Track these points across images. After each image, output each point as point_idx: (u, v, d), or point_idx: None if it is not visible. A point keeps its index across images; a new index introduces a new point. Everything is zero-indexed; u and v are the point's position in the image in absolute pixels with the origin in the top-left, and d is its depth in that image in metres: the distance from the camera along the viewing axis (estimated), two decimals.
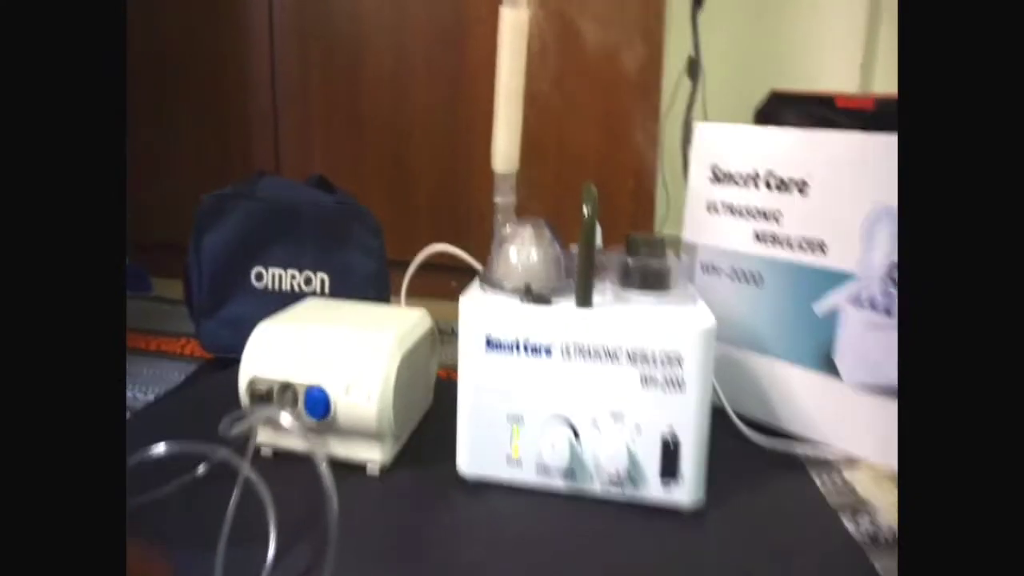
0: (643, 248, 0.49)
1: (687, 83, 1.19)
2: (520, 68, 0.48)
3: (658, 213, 1.03)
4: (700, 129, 0.63)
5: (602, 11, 0.94)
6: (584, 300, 0.46)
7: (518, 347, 0.47)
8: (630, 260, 0.49)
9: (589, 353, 0.46)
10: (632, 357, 0.46)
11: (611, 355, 0.46)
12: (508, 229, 0.50)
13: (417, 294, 0.71)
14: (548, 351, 0.46)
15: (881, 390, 0.54)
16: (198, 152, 1.03)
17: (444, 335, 0.85)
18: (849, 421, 0.56)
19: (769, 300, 0.60)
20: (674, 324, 0.45)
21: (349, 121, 1.01)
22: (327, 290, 0.67)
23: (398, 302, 0.69)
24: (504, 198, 0.51)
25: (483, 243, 1.02)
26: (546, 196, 0.98)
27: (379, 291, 0.70)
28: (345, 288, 0.68)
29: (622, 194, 0.99)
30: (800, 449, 0.58)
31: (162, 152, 1.04)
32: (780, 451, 0.57)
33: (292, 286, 0.67)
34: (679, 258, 0.50)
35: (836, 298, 0.56)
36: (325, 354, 0.49)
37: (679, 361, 0.45)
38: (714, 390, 0.51)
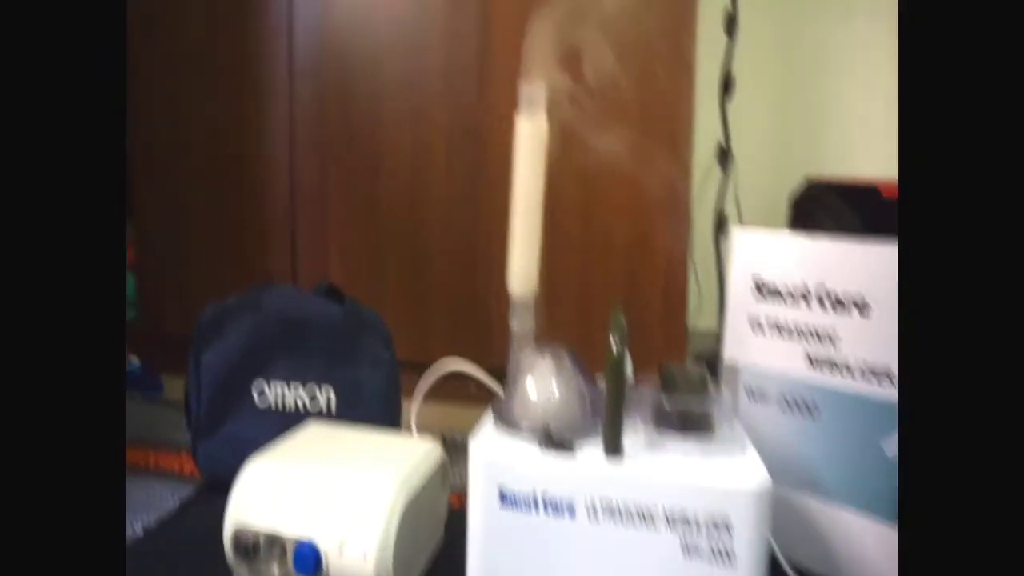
0: (680, 384, 0.43)
1: (717, 171, 1.16)
2: (538, 182, 0.45)
3: (689, 305, 0.97)
4: (739, 237, 0.58)
5: (630, 101, 0.92)
6: (613, 449, 0.40)
7: (536, 503, 0.40)
8: (666, 399, 0.43)
9: (620, 513, 0.39)
10: (671, 520, 0.39)
11: (646, 517, 0.39)
12: (526, 359, 0.45)
13: (434, 397, 0.65)
14: (572, 509, 0.40)
15: None
16: (215, 246, 1.03)
17: (460, 449, 0.78)
18: None
19: (827, 434, 0.52)
20: (721, 482, 0.38)
21: (367, 220, 0.99)
22: (333, 406, 0.62)
23: (410, 407, 0.64)
24: (521, 324, 0.46)
25: (503, 347, 0.98)
26: (570, 290, 0.93)
27: (389, 405, 0.65)
28: (353, 403, 0.63)
29: (652, 291, 0.93)
30: None
31: (179, 245, 1.04)
32: None
33: (296, 402, 0.62)
34: (718, 386, 0.44)
35: None
36: (319, 501, 0.43)
37: (728, 528, 0.38)
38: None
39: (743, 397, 0.57)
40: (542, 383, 0.43)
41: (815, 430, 0.53)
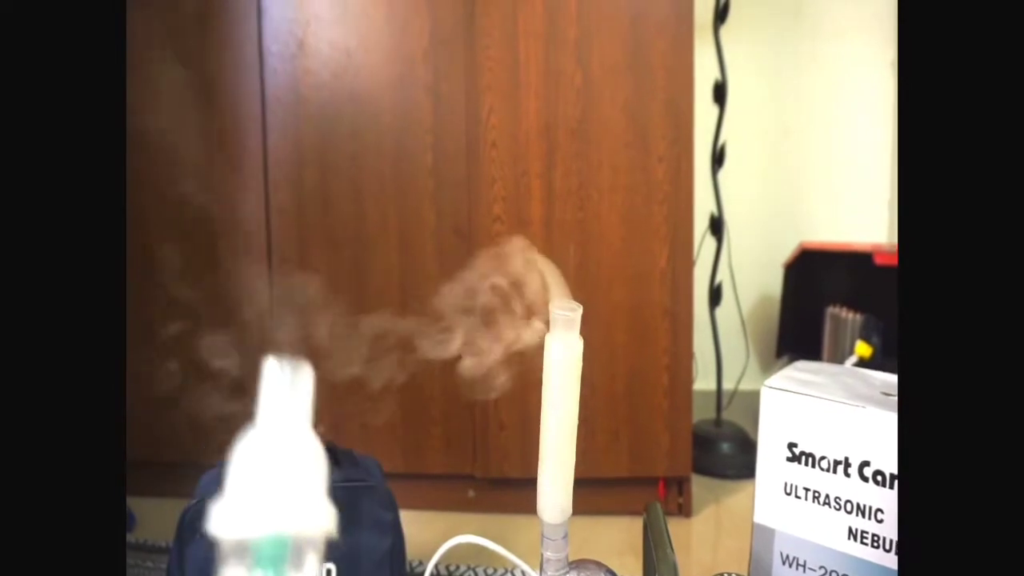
0: None
1: (711, 241, 1.13)
2: (573, 408, 0.40)
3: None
4: (769, 397, 0.54)
5: (629, 187, 0.88)
6: None
7: None
8: None
9: None
10: None
11: None
12: None
13: (434, 507, 0.60)
14: None
15: None
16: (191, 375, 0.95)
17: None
18: None
19: None
20: None
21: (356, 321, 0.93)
22: None
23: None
24: (556, 553, 0.41)
25: (501, 455, 0.92)
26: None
27: (396, 569, 0.59)
28: (356, 575, 0.57)
29: (655, 393, 0.89)
30: None
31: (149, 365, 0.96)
32: None
33: None
34: None
35: None
36: None
37: None
38: None
39: (777, 561, 0.53)
40: None
41: None
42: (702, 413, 1.14)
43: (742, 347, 1.18)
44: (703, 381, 1.23)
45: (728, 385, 1.13)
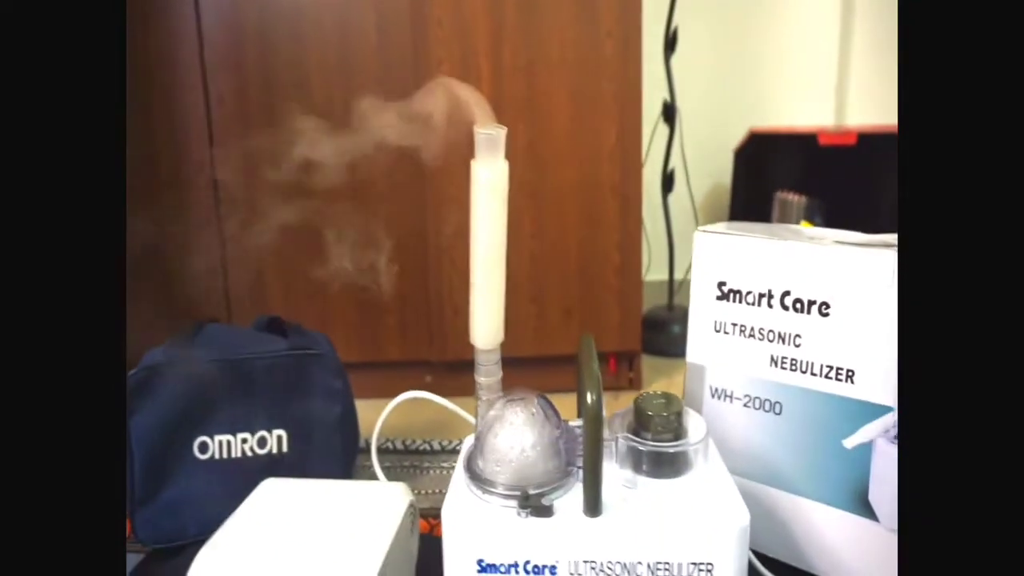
0: (657, 424, 0.41)
1: (664, 128, 1.12)
2: (501, 232, 0.40)
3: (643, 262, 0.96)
4: (701, 240, 0.56)
5: (577, 64, 0.87)
6: (593, 509, 0.38)
7: (517, 569, 0.39)
8: (641, 443, 0.41)
9: (603, 570, 0.38)
10: (653, 571, 0.38)
11: (629, 570, 0.38)
12: (495, 412, 0.42)
13: (392, 395, 0.62)
14: (553, 571, 0.39)
15: None
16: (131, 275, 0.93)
17: (423, 456, 0.76)
18: (889, 570, 0.50)
19: (790, 431, 0.53)
20: (701, 526, 0.38)
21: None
22: (285, 447, 0.58)
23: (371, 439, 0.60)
24: (489, 377, 0.43)
25: (457, 339, 0.94)
26: (522, 255, 0.90)
27: (346, 438, 0.62)
28: (307, 442, 0.59)
29: (605, 270, 0.91)
30: None
31: None
32: None
33: (244, 451, 0.57)
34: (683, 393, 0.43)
35: (869, 432, 0.50)
36: None
37: (709, 571, 0.38)
38: None
39: (707, 396, 0.57)
40: (514, 438, 0.41)
41: (779, 427, 0.53)
42: (656, 301, 1.18)
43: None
44: (657, 272, 1.26)
45: (680, 274, 1.16)
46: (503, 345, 1.07)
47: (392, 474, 0.72)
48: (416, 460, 0.76)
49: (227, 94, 0.88)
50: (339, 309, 0.92)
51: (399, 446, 0.79)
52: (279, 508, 0.47)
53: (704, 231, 0.55)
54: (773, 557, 0.54)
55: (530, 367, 0.83)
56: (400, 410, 0.83)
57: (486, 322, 0.42)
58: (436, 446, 0.79)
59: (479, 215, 0.39)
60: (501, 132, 0.40)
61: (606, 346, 0.94)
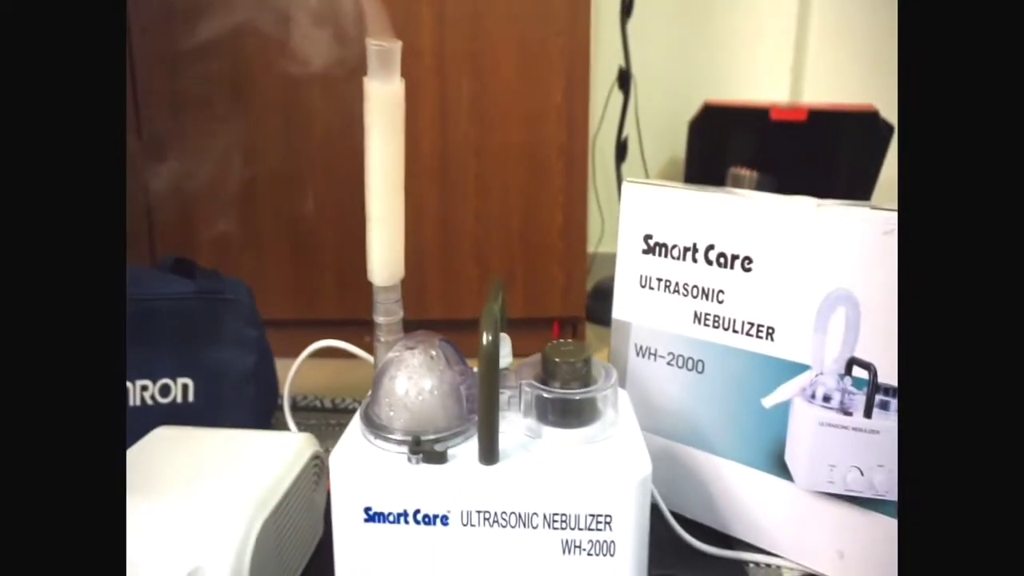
0: (564, 372, 0.40)
1: (619, 96, 1.10)
2: (399, 157, 0.37)
3: (592, 234, 0.94)
4: (628, 191, 0.54)
5: (524, 16, 0.83)
6: (488, 457, 0.36)
7: (406, 518, 0.37)
8: (545, 390, 0.39)
9: (497, 520, 0.37)
10: (550, 521, 0.37)
11: (524, 521, 0.37)
12: (393, 354, 0.40)
13: (328, 355, 0.59)
14: (445, 520, 0.37)
15: (836, 497, 0.48)
16: None
17: (351, 415, 0.74)
18: (803, 530, 0.50)
19: (711, 389, 0.52)
20: (600, 477, 0.36)
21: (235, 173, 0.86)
22: (191, 397, 0.55)
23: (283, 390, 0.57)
24: (387, 316, 0.41)
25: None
26: (467, 214, 0.87)
27: (261, 390, 0.59)
28: (215, 392, 0.56)
29: (550, 233, 0.89)
30: (748, 558, 0.51)
31: None
32: (724, 559, 0.50)
33: (144, 399, 0.54)
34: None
35: (786, 391, 0.49)
36: (161, 536, 0.38)
37: (608, 521, 0.37)
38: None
39: (632, 354, 0.55)
40: (411, 382, 0.39)
41: (701, 385, 0.52)
42: (609, 271, 1.17)
43: None
44: (610, 244, 1.25)
45: None
46: (448, 307, 1.04)
47: (316, 431, 0.69)
48: (343, 419, 0.74)
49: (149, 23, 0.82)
50: (273, 264, 0.88)
51: (327, 404, 0.76)
52: (167, 454, 0.44)
53: (631, 181, 0.54)
54: (693, 519, 0.54)
55: (473, 329, 0.81)
56: (334, 368, 0.80)
57: (384, 256, 0.39)
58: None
59: (373, 139, 0.36)
60: (396, 45, 0.37)
61: (550, 311, 0.92)
